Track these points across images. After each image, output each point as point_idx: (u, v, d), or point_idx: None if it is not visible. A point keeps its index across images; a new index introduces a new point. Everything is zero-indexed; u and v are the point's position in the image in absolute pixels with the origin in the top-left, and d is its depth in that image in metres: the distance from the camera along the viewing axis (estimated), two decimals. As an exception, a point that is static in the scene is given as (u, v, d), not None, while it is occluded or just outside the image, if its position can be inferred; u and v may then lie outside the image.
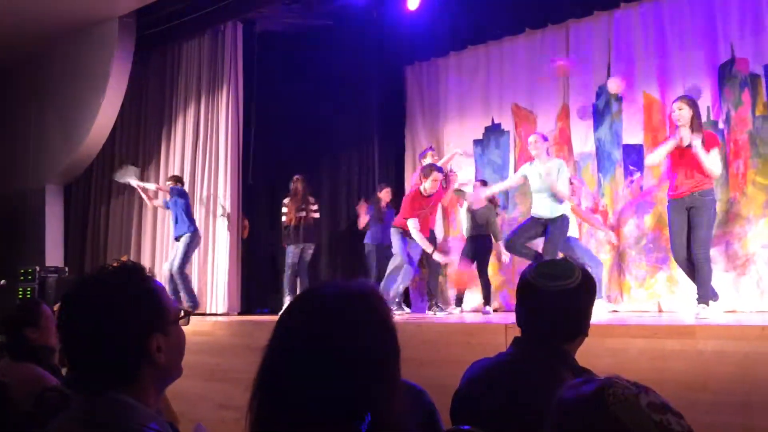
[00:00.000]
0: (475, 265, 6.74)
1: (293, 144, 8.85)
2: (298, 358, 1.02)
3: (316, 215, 7.53)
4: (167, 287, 7.16)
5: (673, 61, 6.58)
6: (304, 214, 7.35)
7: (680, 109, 4.74)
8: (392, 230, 6.33)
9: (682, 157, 4.77)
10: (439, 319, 6.15)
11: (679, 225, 4.80)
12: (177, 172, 8.37)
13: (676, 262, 4.97)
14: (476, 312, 7.01)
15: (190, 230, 7.22)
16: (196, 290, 7.52)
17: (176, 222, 7.28)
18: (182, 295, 7.13)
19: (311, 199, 7.51)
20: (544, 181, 5.61)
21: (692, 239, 4.72)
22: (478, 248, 6.81)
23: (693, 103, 4.83)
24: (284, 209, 7.40)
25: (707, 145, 4.68)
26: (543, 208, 5.67)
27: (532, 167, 5.81)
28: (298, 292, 7.05)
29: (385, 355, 1.04)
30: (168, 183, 7.59)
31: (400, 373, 1.09)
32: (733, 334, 3.60)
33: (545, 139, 5.90)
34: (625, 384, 0.93)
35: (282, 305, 6.81)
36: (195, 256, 7.79)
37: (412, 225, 6.04)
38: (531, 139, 5.89)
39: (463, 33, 7.78)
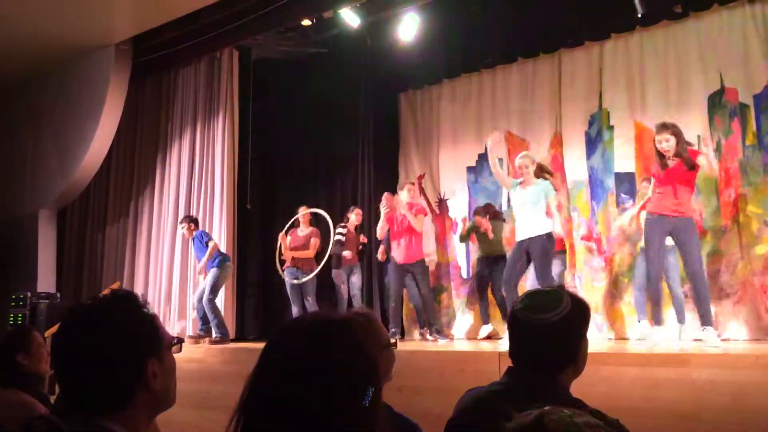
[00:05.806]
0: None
1: (288, 169, 8.89)
2: (276, 379, 1.03)
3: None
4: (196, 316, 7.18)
5: (664, 90, 6.66)
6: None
7: (667, 141, 4.71)
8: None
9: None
10: (432, 346, 6.11)
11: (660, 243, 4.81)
12: (172, 198, 8.36)
13: (656, 281, 4.87)
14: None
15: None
16: (190, 317, 7.45)
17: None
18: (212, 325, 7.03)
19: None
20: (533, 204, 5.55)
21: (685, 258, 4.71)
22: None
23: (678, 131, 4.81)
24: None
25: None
26: (524, 229, 5.59)
27: (518, 191, 5.68)
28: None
29: (359, 380, 1.05)
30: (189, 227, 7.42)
31: (380, 399, 1.09)
32: (727, 363, 3.60)
33: (533, 161, 5.71)
34: (563, 409, 0.95)
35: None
36: (190, 283, 7.75)
37: None
38: (519, 162, 5.70)
39: (456, 61, 7.85)
